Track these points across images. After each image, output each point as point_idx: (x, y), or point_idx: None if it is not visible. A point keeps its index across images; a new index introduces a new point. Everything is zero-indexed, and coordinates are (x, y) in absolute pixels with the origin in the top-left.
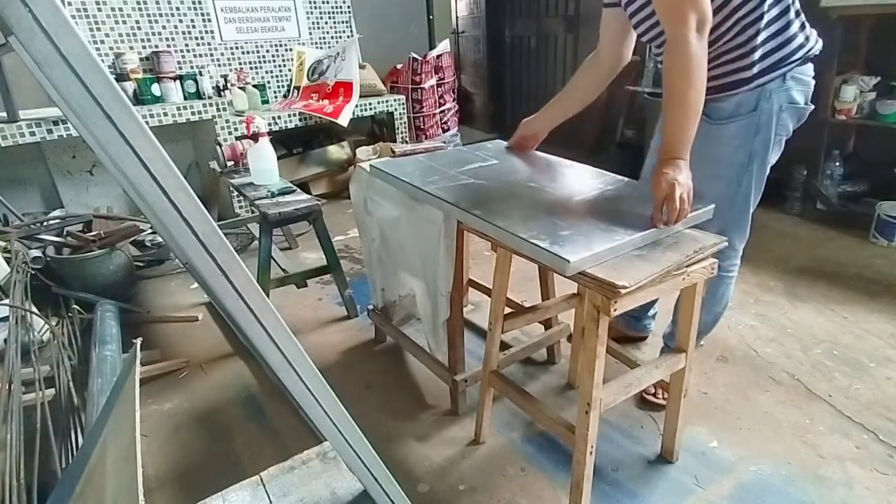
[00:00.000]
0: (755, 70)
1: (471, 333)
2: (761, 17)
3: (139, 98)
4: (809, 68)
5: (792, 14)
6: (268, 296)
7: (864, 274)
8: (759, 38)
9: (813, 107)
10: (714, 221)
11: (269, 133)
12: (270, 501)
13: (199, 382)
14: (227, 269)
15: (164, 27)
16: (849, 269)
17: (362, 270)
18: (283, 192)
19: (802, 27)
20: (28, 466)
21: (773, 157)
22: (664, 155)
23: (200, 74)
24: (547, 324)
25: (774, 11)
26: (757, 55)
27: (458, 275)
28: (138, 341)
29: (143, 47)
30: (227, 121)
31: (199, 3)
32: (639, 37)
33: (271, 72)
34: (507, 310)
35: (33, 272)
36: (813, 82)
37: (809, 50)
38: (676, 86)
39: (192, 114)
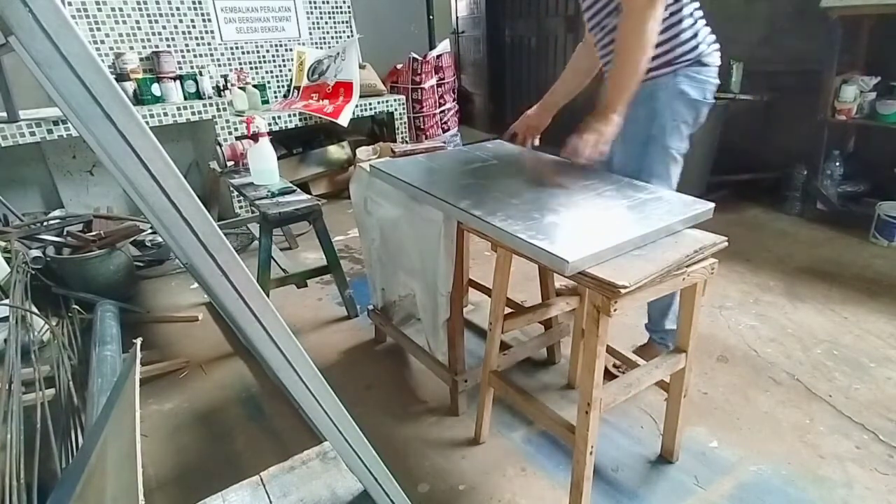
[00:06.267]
0: (652, 64)
1: (471, 333)
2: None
3: (139, 98)
4: (707, 70)
5: (685, 24)
6: (268, 296)
7: (864, 274)
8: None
9: (711, 102)
10: None
11: (269, 133)
12: (270, 501)
13: (199, 382)
14: (227, 269)
15: (164, 27)
16: (849, 269)
17: (362, 270)
18: (283, 192)
19: (694, 35)
20: (28, 466)
21: (676, 143)
22: (603, 107)
23: (200, 74)
24: (547, 324)
25: (669, 21)
26: (653, 53)
27: (458, 275)
28: (138, 341)
29: (143, 47)
30: (227, 121)
31: (199, 3)
32: (589, 28)
33: (271, 72)
34: (507, 310)
35: (33, 272)
36: (711, 81)
37: (699, 55)
38: (628, 49)
39: (192, 114)
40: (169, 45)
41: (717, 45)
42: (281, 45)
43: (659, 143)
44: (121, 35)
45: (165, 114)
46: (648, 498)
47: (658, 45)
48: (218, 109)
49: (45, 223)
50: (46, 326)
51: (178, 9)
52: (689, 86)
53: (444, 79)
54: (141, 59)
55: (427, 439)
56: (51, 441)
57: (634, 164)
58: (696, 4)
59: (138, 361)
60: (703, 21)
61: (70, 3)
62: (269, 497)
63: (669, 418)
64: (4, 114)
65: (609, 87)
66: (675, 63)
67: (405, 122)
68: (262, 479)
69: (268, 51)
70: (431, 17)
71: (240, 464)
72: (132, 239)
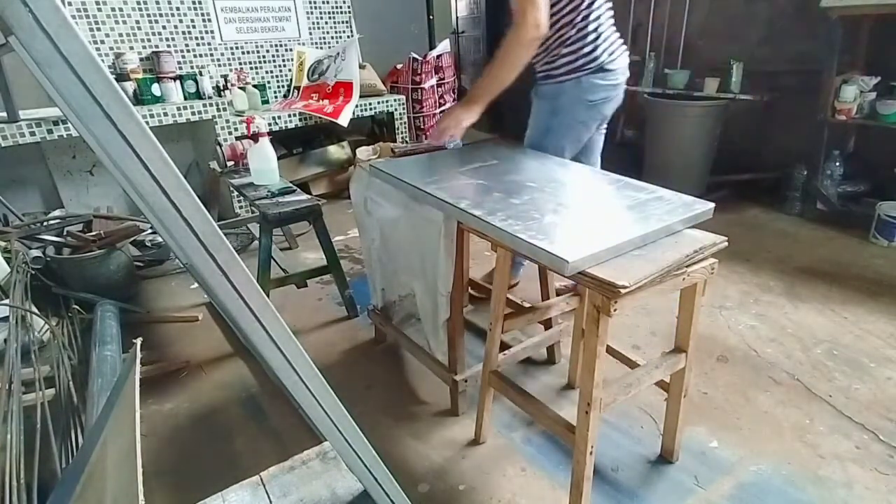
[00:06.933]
0: (559, 71)
1: (471, 333)
2: (567, 40)
3: (139, 98)
4: (610, 74)
5: (589, 38)
6: (268, 296)
7: (864, 274)
8: (563, 51)
9: (616, 98)
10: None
11: (270, 133)
12: (270, 501)
13: (199, 382)
14: (227, 269)
15: (164, 27)
16: (849, 269)
17: (362, 270)
18: (283, 192)
19: (595, 48)
20: (28, 466)
21: (569, 140)
22: (467, 99)
23: (200, 74)
24: (547, 324)
25: (575, 37)
26: (559, 62)
27: (458, 275)
28: (138, 341)
29: (143, 47)
30: (227, 121)
31: (199, 3)
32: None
33: (271, 72)
34: (507, 310)
35: (33, 272)
36: (614, 83)
37: (599, 62)
38: (503, 60)
39: (193, 114)
40: (169, 45)
41: (620, 51)
42: (281, 45)
43: (554, 137)
44: (121, 35)
45: (165, 114)
46: (648, 498)
47: (563, 56)
48: (218, 109)
49: (45, 223)
50: (46, 326)
51: (178, 9)
52: (592, 91)
53: (444, 79)
54: (141, 59)
55: (427, 439)
56: (51, 441)
57: (537, 140)
58: (601, 21)
59: (138, 361)
60: (610, 31)
61: (70, 3)
62: (269, 497)
63: (669, 418)
64: (4, 114)
65: (476, 85)
66: (579, 71)
67: (405, 122)
68: (262, 479)
69: (268, 51)
70: (431, 17)
71: (240, 464)
72: (132, 239)
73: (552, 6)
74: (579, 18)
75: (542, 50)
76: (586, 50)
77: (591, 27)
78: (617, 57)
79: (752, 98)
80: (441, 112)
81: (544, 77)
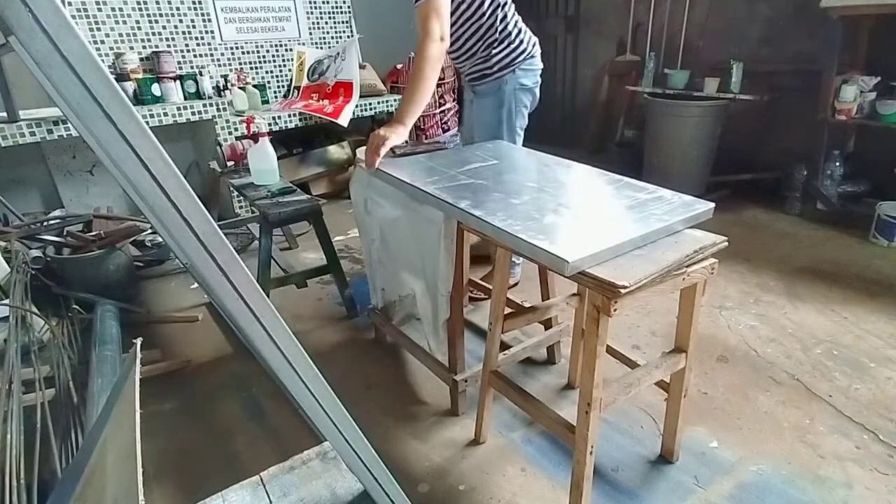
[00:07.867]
0: (494, 69)
1: (471, 333)
2: (494, 42)
3: (139, 98)
4: (534, 60)
5: (513, 35)
6: (268, 296)
7: (864, 274)
8: (494, 51)
9: (538, 81)
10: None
11: (270, 133)
12: (270, 501)
13: (199, 382)
14: (227, 269)
15: (164, 27)
16: (849, 269)
17: (362, 270)
18: (283, 192)
19: (520, 41)
20: (28, 466)
21: (519, 122)
22: (394, 119)
23: (200, 74)
24: (547, 324)
25: (500, 37)
26: (493, 61)
27: (458, 275)
28: (138, 341)
29: (144, 47)
30: (227, 121)
31: (199, 3)
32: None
33: (271, 72)
34: (508, 310)
35: (33, 272)
36: (539, 67)
37: (527, 52)
38: (418, 76)
39: (193, 114)
40: (169, 45)
41: (534, 37)
42: (281, 45)
43: (507, 124)
44: (121, 35)
45: (165, 114)
46: (648, 498)
47: (495, 56)
48: (218, 109)
49: (45, 223)
50: (46, 326)
51: (178, 9)
52: (526, 77)
53: (443, 79)
54: (141, 59)
55: (427, 439)
56: (51, 441)
57: (491, 134)
58: (516, 16)
59: (138, 361)
60: (521, 22)
61: (70, 3)
62: (269, 497)
63: (669, 418)
64: (4, 114)
65: (401, 105)
66: (512, 64)
67: None
68: (262, 479)
69: (268, 51)
70: None
71: (240, 464)
72: (132, 239)
73: (470, 16)
74: (498, 21)
75: (470, 56)
76: (514, 44)
77: (510, 24)
78: (536, 43)
79: (752, 98)
80: (441, 112)
81: (479, 77)
